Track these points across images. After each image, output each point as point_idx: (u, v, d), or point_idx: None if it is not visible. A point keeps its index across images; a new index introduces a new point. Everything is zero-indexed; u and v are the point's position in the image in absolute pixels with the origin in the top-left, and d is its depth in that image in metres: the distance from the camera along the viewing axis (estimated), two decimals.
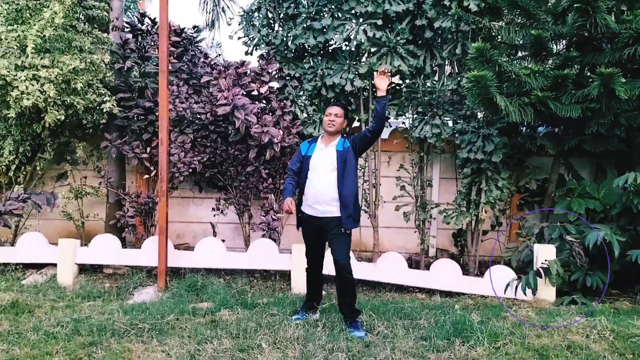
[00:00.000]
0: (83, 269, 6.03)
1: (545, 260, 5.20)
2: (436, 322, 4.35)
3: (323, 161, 4.30)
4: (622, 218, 5.52)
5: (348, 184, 4.23)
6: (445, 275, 5.61)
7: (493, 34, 5.96)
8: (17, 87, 5.47)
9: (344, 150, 4.28)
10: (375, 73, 4.43)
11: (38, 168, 6.68)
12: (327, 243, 4.42)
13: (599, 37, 5.39)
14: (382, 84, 4.22)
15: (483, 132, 5.95)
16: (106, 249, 5.87)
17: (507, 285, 5.22)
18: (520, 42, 5.97)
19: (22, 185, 6.56)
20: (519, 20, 5.99)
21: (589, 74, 5.58)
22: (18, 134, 6.25)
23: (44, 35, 5.72)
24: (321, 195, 4.24)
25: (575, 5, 5.08)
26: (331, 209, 4.25)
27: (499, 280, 5.39)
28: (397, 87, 6.69)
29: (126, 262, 5.95)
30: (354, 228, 4.31)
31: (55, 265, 5.81)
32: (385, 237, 6.88)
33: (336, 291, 4.45)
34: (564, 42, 6.02)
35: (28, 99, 5.48)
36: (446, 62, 6.56)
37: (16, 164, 6.43)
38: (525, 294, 5.19)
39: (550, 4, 5.90)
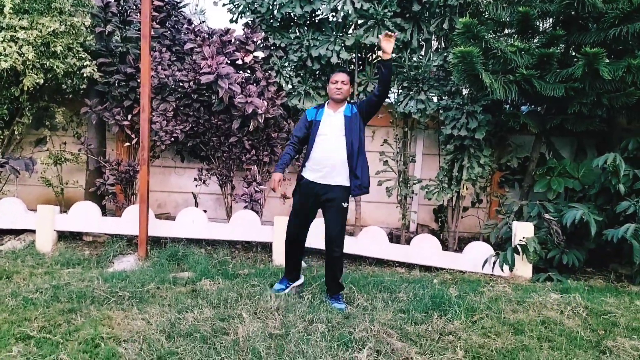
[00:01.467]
0: (62, 236, 5.97)
1: (523, 238, 5.28)
2: (415, 295, 4.41)
3: (333, 126, 4.22)
4: (600, 198, 5.62)
5: (356, 149, 4.18)
6: (425, 250, 5.68)
7: (481, 9, 5.93)
8: None
9: (352, 115, 4.24)
10: (380, 35, 4.36)
11: (16, 133, 6.54)
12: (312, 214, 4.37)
13: (586, 17, 5.39)
14: (388, 46, 4.13)
15: (467, 109, 5.97)
16: (86, 217, 5.81)
17: (485, 261, 5.31)
18: (507, 19, 5.95)
19: None
20: None
21: (574, 53, 5.60)
22: None
23: None
24: (330, 158, 4.16)
25: None
26: (337, 179, 4.19)
27: (477, 256, 5.48)
28: None
29: (106, 230, 5.90)
30: (366, 194, 4.33)
31: (33, 231, 5.74)
32: (367, 212, 6.91)
33: (325, 264, 4.42)
34: (550, 20, 6.00)
35: (6, 61, 5.34)
36: (433, 37, 6.51)
37: None
38: (502, 270, 5.28)
39: None
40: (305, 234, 4.41)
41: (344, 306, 4.18)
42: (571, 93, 5.35)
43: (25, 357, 3.17)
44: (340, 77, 4.27)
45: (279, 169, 4.26)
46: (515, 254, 5.24)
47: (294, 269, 4.52)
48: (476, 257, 5.49)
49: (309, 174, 4.26)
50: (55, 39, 5.74)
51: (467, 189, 6.22)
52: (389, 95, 6.70)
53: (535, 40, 5.88)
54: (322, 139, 4.21)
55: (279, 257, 5.57)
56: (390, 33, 4.16)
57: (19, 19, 5.52)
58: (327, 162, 4.17)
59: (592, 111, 5.62)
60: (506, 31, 6.28)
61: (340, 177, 4.20)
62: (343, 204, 4.23)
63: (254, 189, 6.14)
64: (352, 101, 4.42)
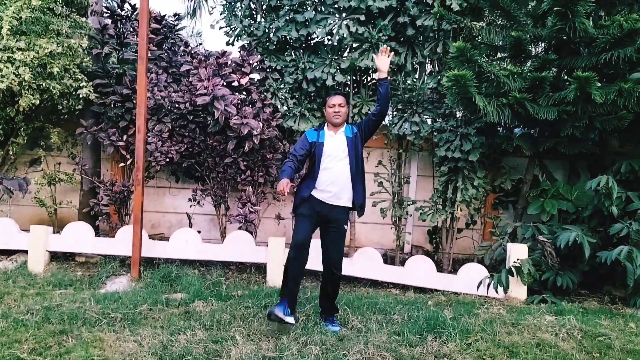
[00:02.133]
0: (55, 256, 5.93)
1: (518, 259, 5.28)
2: (409, 317, 4.39)
3: (336, 148, 4.21)
4: (593, 220, 5.63)
5: (359, 170, 4.24)
6: (419, 271, 5.66)
7: (474, 34, 6.02)
8: None
9: (352, 136, 4.26)
10: (374, 55, 4.38)
11: (11, 152, 6.54)
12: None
13: (577, 41, 5.48)
14: (383, 64, 4.17)
15: (461, 131, 6.02)
16: (79, 237, 5.78)
17: (480, 282, 5.30)
18: (500, 44, 6.05)
19: None
20: (500, 22, 6.07)
21: (566, 77, 5.67)
22: None
23: (20, 17, 5.60)
24: (337, 180, 4.16)
25: (555, 8, 5.15)
26: (343, 199, 4.21)
27: (472, 278, 5.47)
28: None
29: (99, 251, 5.87)
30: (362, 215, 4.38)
31: (26, 252, 5.70)
32: (362, 233, 6.91)
33: (321, 286, 4.39)
34: (542, 44, 6.10)
35: (2, 82, 5.37)
36: (427, 61, 6.59)
37: None
38: (497, 292, 5.27)
39: (530, 7, 5.99)
40: (308, 249, 4.13)
41: (338, 328, 4.16)
42: (564, 116, 5.41)
43: None
44: (337, 100, 4.28)
45: (285, 176, 4.03)
46: (509, 276, 5.24)
47: (294, 287, 4.11)
48: (471, 278, 5.48)
49: (316, 193, 4.21)
50: (52, 60, 5.77)
51: (461, 210, 6.23)
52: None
53: (528, 64, 5.97)
54: (328, 161, 4.20)
55: (273, 277, 5.55)
56: (384, 48, 4.18)
57: (17, 40, 5.57)
58: (335, 183, 4.17)
59: (585, 134, 5.68)
60: (499, 55, 6.37)
61: (344, 197, 4.22)
62: (345, 226, 4.27)
63: (248, 209, 6.13)
64: (350, 122, 4.43)
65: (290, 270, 4.09)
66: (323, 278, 4.36)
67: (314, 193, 4.21)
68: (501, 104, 5.48)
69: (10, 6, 5.54)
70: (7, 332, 3.79)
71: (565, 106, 5.33)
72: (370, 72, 6.59)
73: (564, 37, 5.46)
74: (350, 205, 4.26)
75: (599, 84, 5.06)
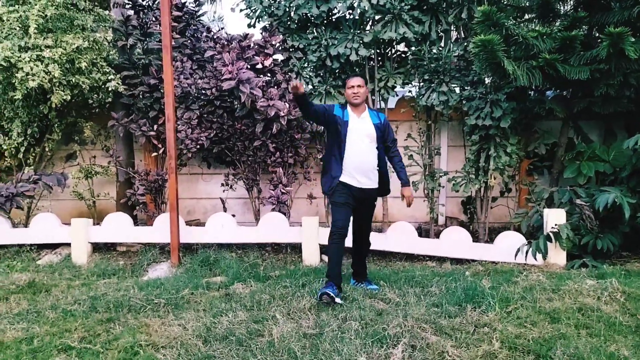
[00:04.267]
0: (97, 247, 6.11)
1: (555, 225, 5.20)
2: (447, 289, 4.38)
3: (361, 131, 4.32)
4: (632, 180, 5.49)
5: (384, 157, 4.43)
6: (455, 242, 5.63)
7: None
8: (22, 68, 5.48)
9: (379, 124, 4.39)
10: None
11: (47, 149, 6.72)
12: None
13: None
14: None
15: (491, 97, 5.90)
16: (118, 227, 5.93)
17: (518, 250, 5.24)
18: (527, 4, 5.88)
19: (32, 167, 6.60)
20: None
21: (597, 34, 5.49)
22: (25, 116, 6.26)
23: (46, 15, 5.69)
24: (363, 164, 4.30)
25: None
26: (371, 182, 4.37)
27: (509, 246, 5.41)
28: (403, 55, 6.62)
29: (139, 240, 6.01)
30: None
31: (69, 244, 5.88)
32: (394, 207, 6.89)
33: (354, 253, 4.69)
34: (571, 2, 5.90)
35: (33, 80, 5.48)
36: (452, 28, 6.46)
37: (25, 146, 6.47)
38: (535, 259, 5.20)
39: None
40: (348, 230, 4.34)
41: (377, 286, 4.54)
42: (597, 75, 5.25)
43: None
44: (355, 81, 4.37)
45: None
46: (547, 242, 5.17)
47: (339, 270, 4.27)
48: (508, 246, 5.43)
49: (346, 178, 4.31)
50: (79, 56, 5.87)
51: (495, 178, 6.15)
52: (410, 89, 6.72)
53: (557, 24, 5.78)
54: (354, 143, 4.29)
55: (308, 257, 5.60)
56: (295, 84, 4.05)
57: (44, 38, 5.67)
58: (362, 167, 4.30)
59: (620, 92, 5.50)
60: (526, 16, 6.19)
61: (373, 179, 4.39)
62: (375, 202, 4.57)
63: (280, 191, 6.18)
64: (376, 108, 4.50)
65: (335, 255, 4.28)
66: (356, 245, 4.65)
67: (343, 178, 4.30)
68: (531, 66, 5.34)
69: (35, 5, 5.63)
70: (57, 322, 3.93)
71: (597, 64, 5.17)
72: (394, 43, 6.49)
73: None
74: (377, 187, 4.46)
75: (632, 39, 4.89)
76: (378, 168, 4.39)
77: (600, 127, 6.71)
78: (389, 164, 4.51)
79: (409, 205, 4.53)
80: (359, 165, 4.28)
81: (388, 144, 4.47)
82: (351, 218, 4.39)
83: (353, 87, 4.34)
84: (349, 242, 4.53)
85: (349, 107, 4.41)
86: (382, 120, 4.43)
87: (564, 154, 6.10)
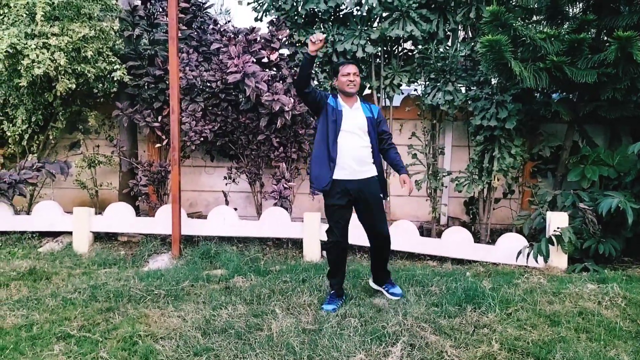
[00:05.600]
0: (98, 236, 6.11)
1: (558, 228, 5.19)
2: (448, 288, 4.38)
3: (354, 122, 4.02)
4: (637, 185, 5.46)
5: (377, 150, 4.12)
6: (456, 243, 5.62)
7: None
8: (28, 55, 5.46)
9: (372, 117, 4.10)
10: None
11: (51, 137, 6.72)
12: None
13: None
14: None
15: (497, 98, 5.87)
16: (120, 217, 5.93)
17: (519, 252, 5.23)
18: (536, 6, 5.84)
19: (35, 155, 6.60)
20: None
21: (605, 38, 5.46)
22: (30, 103, 6.26)
23: (53, 2, 5.67)
24: (358, 154, 3.98)
25: None
26: (368, 171, 4.05)
27: (510, 248, 5.40)
28: (410, 53, 6.60)
29: (140, 230, 6.01)
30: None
31: (70, 233, 5.89)
32: (397, 206, 6.88)
33: (374, 259, 4.28)
34: (580, 5, 5.87)
35: (39, 68, 5.48)
36: (460, 27, 6.43)
37: (29, 133, 6.46)
38: (537, 262, 5.19)
39: None
40: (347, 231, 4.10)
41: (401, 290, 4.25)
42: (604, 79, 5.22)
43: (67, 355, 3.26)
44: (352, 69, 4.06)
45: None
46: (549, 245, 5.16)
47: (342, 276, 4.21)
48: (509, 248, 5.42)
49: (339, 172, 3.98)
50: (85, 44, 5.86)
51: (498, 180, 6.13)
52: (415, 88, 6.68)
53: (565, 26, 5.76)
54: (347, 134, 3.98)
55: (309, 252, 5.60)
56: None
57: (50, 26, 5.66)
58: (355, 158, 3.98)
59: (626, 97, 5.48)
60: (534, 18, 6.16)
61: (370, 170, 4.06)
62: (381, 196, 4.13)
63: (282, 185, 6.17)
64: (364, 100, 4.29)
65: (337, 261, 4.13)
66: (373, 248, 4.22)
67: (338, 174, 3.98)
68: (538, 68, 5.32)
69: None
70: (57, 310, 3.94)
71: (605, 68, 5.14)
72: (401, 41, 6.47)
73: None
74: (377, 174, 4.11)
75: None
76: (375, 162, 4.10)
77: (605, 131, 6.69)
78: (385, 165, 4.20)
79: (410, 192, 4.06)
80: (354, 155, 3.96)
81: (383, 136, 4.16)
82: (349, 220, 4.10)
83: (349, 74, 4.03)
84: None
85: (340, 97, 4.11)
86: (374, 115, 4.13)
87: (568, 157, 6.08)
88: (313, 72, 6.30)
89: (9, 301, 4.12)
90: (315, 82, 6.35)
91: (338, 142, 3.98)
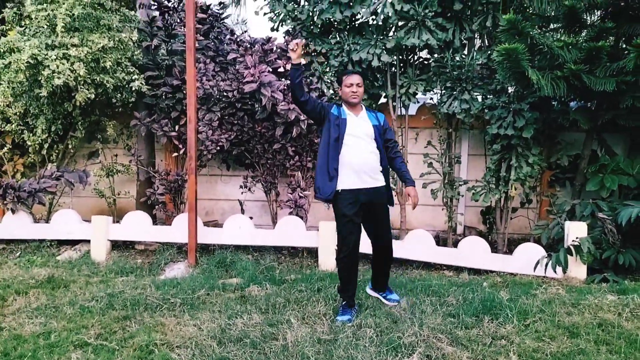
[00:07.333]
0: (115, 245, 6.16)
1: (577, 238, 5.12)
2: (464, 299, 4.34)
3: (360, 130, 4.03)
4: None
5: (384, 157, 4.13)
6: (473, 252, 5.57)
7: (524, 5, 5.81)
8: (48, 66, 5.56)
9: (379, 125, 4.12)
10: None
11: (70, 146, 6.81)
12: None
13: (636, 7, 5.20)
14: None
15: (514, 107, 5.83)
16: (138, 226, 5.98)
17: (537, 262, 5.17)
18: (553, 14, 5.79)
19: (55, 164, 6.70)
20: None
21: (624, 45, 5.40)
22: (50, 113, 6.35)
23: (73, 14, 5.77)
24: (366, 163, 3.99)
25: None
26: (377, 181, 4.06)
27: (528, 258, 5.34)
28: (425, 62, 6.59)
29: (157, 239, 6.05)
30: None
31: (88, 241, 5.95)
32: (412, 215, 6.85)
33: (375, 266, 4.36)
34: (598, 12, 5.82)
35: (59, 78, 5.56)
36: (476, 35, 6.42)
37: (49, 143, 6.56)
38: (555, 272, 5.13)
39: None
40: (359, 243, 4.11)
41: (399, 297, 4.35)
42: (623, 87, 5.16)
43: None
44: (355, 79, 4.09)
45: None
46: (568, 255, 5.09)
47: (354, 288, 4.17)
48: (527, 258, 5.36)
49: (346, 182, 3.99)
50: (104, 55, 5.95)
51: (515, 189, 6.08)
52: (431, 96, 6.66)
53: (583, 34, 5.70)
54: (354, 142, 4.00)
55: (324, 262, 5.59)
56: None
57: (70, 37, 5.76)
58: (365, 165, 3.99)
59: None
60: (552, 26, 6.11)
61: (378, 179, 4.08)
62: (389, 205, 4.18)
63: (298, 194, 6.18)
64: (369, 108, 4.29)
65: (348, 273, 4.12)
66: (377, 257, 4.27)
67: (346, 183, 3.99)
68: (555, 77, 5.27)
69: (63, 4, 5.72)
70: (74, 318, 3.98)
71: (624, 76, 5.08)
72: (417, 50, 6.47)
73: (622, 3, 5.20)
74: (385, 184, 4.14)
75: None
76: (382, 170, 4.11)
77: (624, 140, 6.60)
78: (391, 172, 4.22)
79: (414, 207, 4.08)
80: (361, 164, 3.98)
81: (388, 144, 4.17)
82: (361, 231, 4.11)
83: (352, 85, 4.06)
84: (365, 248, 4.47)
85: (344, 106, 4.14)
86: (381, 122, 4.15)
87: (587, 166, 6.01)
88: (329, 81, 6.32)
89: (28, 309, 4.17)
90: (331, 91, 6.36)
91: (346, 151, 4.00)
